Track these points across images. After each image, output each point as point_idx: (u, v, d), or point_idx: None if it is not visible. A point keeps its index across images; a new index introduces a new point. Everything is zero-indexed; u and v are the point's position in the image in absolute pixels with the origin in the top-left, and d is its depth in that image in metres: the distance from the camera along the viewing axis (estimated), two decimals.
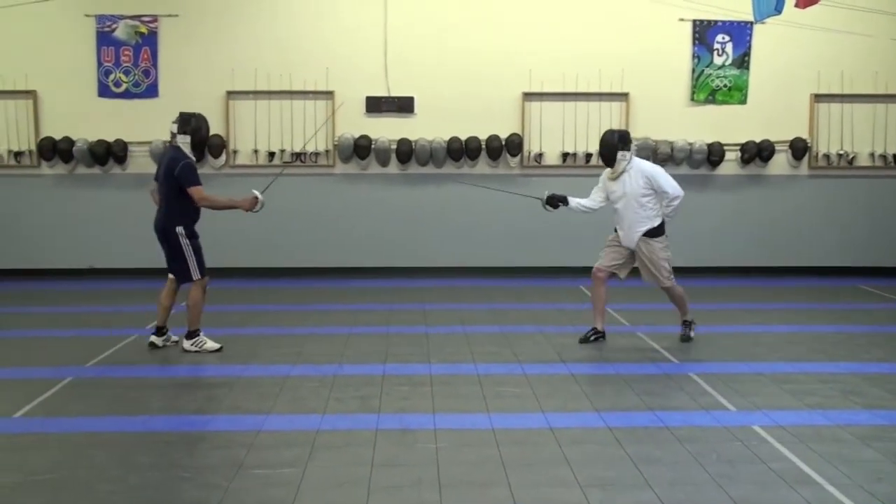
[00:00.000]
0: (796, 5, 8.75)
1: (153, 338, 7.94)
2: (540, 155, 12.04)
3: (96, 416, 6.03)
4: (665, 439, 5.55)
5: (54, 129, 11.81)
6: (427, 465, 5.06)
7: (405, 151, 11.84)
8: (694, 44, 12.06)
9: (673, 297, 8.25)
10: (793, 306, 10.28)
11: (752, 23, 11.53)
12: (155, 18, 11.81)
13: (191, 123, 7.65)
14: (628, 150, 7.90)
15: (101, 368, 7.30)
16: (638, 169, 7.92)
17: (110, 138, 11.75)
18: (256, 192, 7.81)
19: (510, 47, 11.91)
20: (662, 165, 11.92)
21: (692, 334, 8.26)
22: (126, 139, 11.78)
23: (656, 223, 7.95)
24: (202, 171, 11.75)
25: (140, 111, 11.84)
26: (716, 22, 12.00)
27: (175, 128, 7.67)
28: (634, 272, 8.35)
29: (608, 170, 8.06)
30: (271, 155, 11.89)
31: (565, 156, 12.04)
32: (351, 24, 11.88)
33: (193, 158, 7.69)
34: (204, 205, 7.68)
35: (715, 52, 12.06)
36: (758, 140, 12.06)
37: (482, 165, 12.08)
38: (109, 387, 6.76)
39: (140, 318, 9.10)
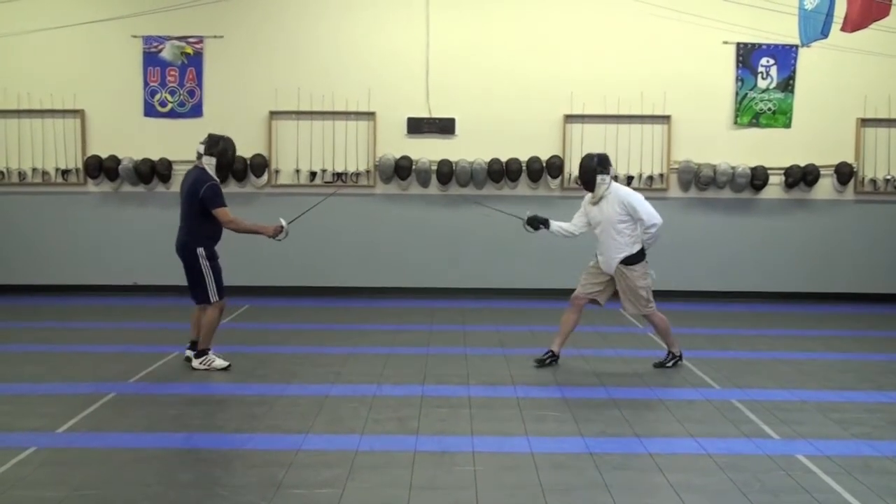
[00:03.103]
0: (843, 29, 8.65)
1: (188, 353, 8.02)
2: None
3: (138, 433, 6.08)
4: (707, 467, 5.46)
5: (101, 148, 12.02)
6: (465, 489, 5.03)
7: (446, 172, 11.87)
8: (738, 67, 11.98)
9: (656, 327, 8.12)
10: (838, 333, 10.11)
11: (797, 46, 11.43)
12: (200, 39, 11.99)
13: (218, 146, 7.72)
14: (607, 173, 7.82)
15: (142, 385, 7.37)
16: (616, 195, 7.82)
17: (155, 157, 11.93)
18: (283, 222, 7.84)
19: (552, 70, 11.92)
20: (704, 189, 11.99)
21: (669, 365, 8.09)
22: (171, 158, 11.94)
23: (635, 250, 7.84)
24: (244, 190, 12.06)
25: (185, 130, 11.99)
26: (760, 45, 11.92)
27: (202, 149, 7.73)
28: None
29: (589, 194, 8.00)
30: (313, 175, 11.99)
31: None
32: (393, 46, 11.97)
33: (218, 180, 7.76)
34: (230, 227, 7.73)
35: (759, 76, 11.96)
36: (802, 164, 11.93)
37: (522, 187, 12.06)
38: (151, 403, 6.82)
39: (182, 335, 9.14)
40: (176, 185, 11.93)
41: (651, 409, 6.77)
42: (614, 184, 7.92)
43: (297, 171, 12.03)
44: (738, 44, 11.94)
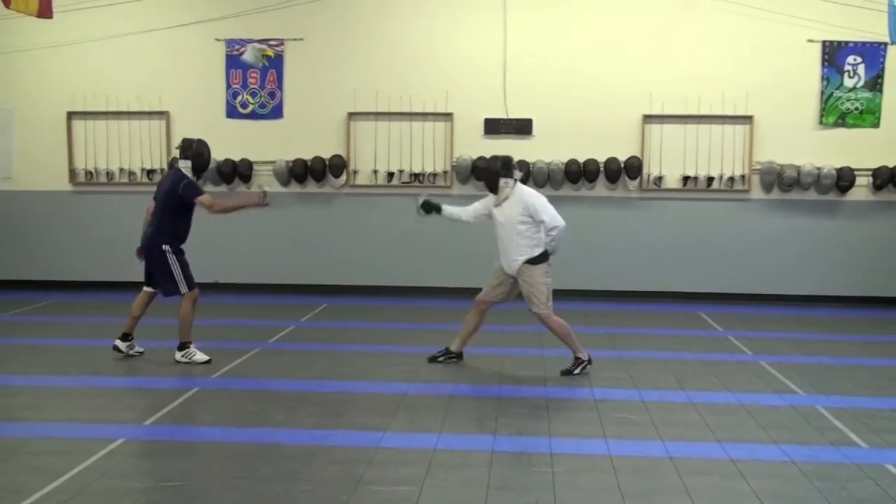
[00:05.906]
0: None
1: (118, 342, 8.29)
2: (660, 178, 11.85)
3: (221, 426, 6.21)
4: (791, 474, 5.35)
5: None
6: (543, 490, 5.01)
7: (523, 173, 11.81)
8: (823, 65, 11.67)
9: (552, 329, 7.88)
10: None
11: (885, 44, 11.11)
12: (281, 42, 12.19)
13: (192, 148, 8.06)
14: (511, 176, 7.78)
15: (225, 380, 7.53)
16: (518, 196, 7.75)
17: (237, 157, 12.16)
18: (265, 187, 8.16)
19: (630, 69, 11.78)
20: (788, 190, 11.72)
21: (576, 372, 7.79)
22: (252, 158, 12.16)
23: (536, 253, 7.73)
24: (322, 190, 12.26)
25: (265, 132, 12.22)
26: (847, 43, 11.59)
27: (178, 153, 8.10)
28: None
29: (493, 196, 7.94)
30: (390, 175, 12.08)
31: (686, 179, 11.82)
32: (471, 48, 11.98)
33: (195, 179, 8.09)
34: (215, 211, 8.09)
35: (846, 74, 11.64)
36: (891, 165, 11.56)
37: (600, 188, 11.96)
38: (233, 398, 6.97)
39: (263, 331, 9.37)
40: (257, 186, 12.20)
41: (732, 414, 6.64)
42: (519, 185, 7.88)
43: (375, 171, 12.13)
44: (824, 42, 11.63)
